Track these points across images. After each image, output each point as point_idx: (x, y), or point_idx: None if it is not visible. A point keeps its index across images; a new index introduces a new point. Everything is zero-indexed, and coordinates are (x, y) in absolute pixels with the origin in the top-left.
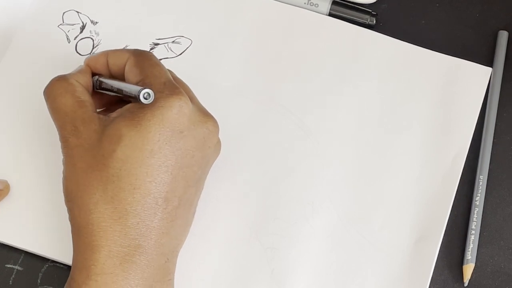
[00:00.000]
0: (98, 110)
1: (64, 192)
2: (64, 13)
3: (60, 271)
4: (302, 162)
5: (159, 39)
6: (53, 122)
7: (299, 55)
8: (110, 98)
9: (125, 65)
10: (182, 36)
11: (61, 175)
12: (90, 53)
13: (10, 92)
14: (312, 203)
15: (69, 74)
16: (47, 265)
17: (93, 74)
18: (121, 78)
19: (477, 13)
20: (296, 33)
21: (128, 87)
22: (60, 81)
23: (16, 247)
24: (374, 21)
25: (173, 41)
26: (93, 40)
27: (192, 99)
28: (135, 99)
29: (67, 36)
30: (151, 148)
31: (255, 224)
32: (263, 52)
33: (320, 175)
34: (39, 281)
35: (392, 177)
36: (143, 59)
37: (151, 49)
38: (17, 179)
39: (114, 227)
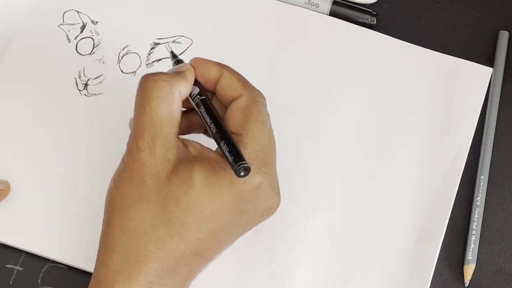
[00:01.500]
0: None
1: (108, 201)
2: (64, 13)
3: (61, 271)
4: (302, 162)
5: (159, 38)
6: (55, 121)
7: (299, 55)
8: (193, 123)
9: (233, 99)
10: (183, 36)
11: (61, 175)
12: (90, 53)
13: (10, 92)
14: (312, 203)
15: (176, 79)
16: (47, 265)
17: (196, 84)
18: (221, 103)
19: (478, 13)
20: (296, 33)
21: (230, 148)
22: (165, 83)
23: (16, 247)
24: (375, 21)
25: (173, 41)
26: (93, 40)
27: (271, 173)
28: (225, 155)
29: (67, 36)
30: (213, 212)
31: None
32: (263, 52)
33: (320, 175)
34: (39, 281)
35: (392, 177)
36: (253, 109)
37: (152, 48)
38: (17, 179)
39: (149, 266)
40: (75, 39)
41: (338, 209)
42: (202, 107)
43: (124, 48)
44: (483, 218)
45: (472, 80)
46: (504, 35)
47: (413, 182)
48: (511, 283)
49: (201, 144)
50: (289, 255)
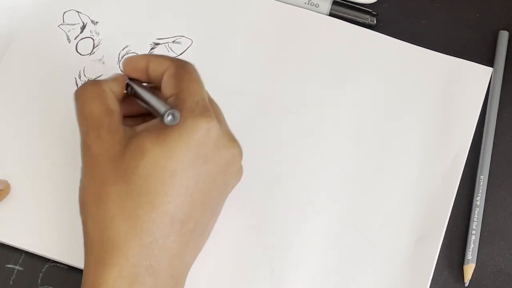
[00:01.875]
0: (129, 116)
1: (80, 203)
2: (64, 13)
3: (61, 271)
4: (302, 162)
5: (159, 39)
6: (55, 121)
7: (299, 55)
8: (140, 108)
9: (163, 74)
10: (183, 36)
11: (61, 175)
12: (90, 53)
13: (10, 92)
14: (312, 203)
15: (103, 80)
16: (47, 265)
17: (129, 79)
18: (159, 85)
19: (478, 13)
20: (296, 33)
21: (155, 103)
22: (92, 86)
23: (16, 247)
24: (375, 21)
25: (173, 41)
26: (93, 40)
27: (221, 122)
28: (160, 116)
29: (67, 36)
30: (173, 169)
31: (255, 224)
32: (263, 52)
33: (320, 175)
34: (39, 281)
35: (392, 177)
36: (182, 72)
37: (152, 49)
38: (18, 179)
39: (128, 245)
40: (75, 39)
41: (338, 209)
42: (135, 90)
43: (124, 48)
44: (483, 218)
45: (472, 80)
46: (504, 35)
47: (413, 182)
48: (511, 283)
49: (150, 119)
50: (289, 255)
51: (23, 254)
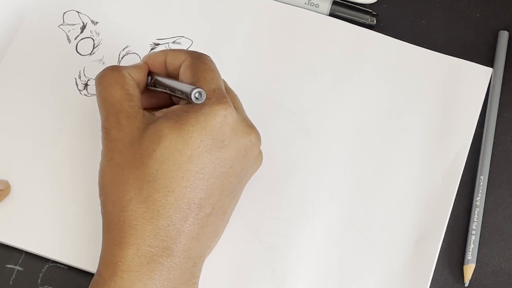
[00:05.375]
0: (149, 108)
1: (99, 185)
2: (64, 13)
3: (61, 271)
4: (302, 162)
5: (159, 39)
6: (55, 121)
7: (300, 55)
8: (160, 100)
9: (180, 66)
10: (183, 37)
11: (61, 175)
12: (90, 53)
13: (10, 92)
14: (312, 203)
15: (123, 66)
16: (47, 265)
17: (150, 73)
18: (177, 78)
19: (478, 13)
20: (296, 33)
21: (181, 86)
22: (112, 71)
23: (16, 247)
24: (375, 21)
25: (173, 41)
26: (93, 40)
27: (239, 110)
28: (186, 99)
29: (67, 36)
30: (190, 153)
31: (256, 224)
32: (263, 52)
33: (320, 175)
34: (39, 281)
35: (392, 177)
36: (198, 62)
37: (152, 49)
38: (18, 179)
39: (144, 227)
40: (75, 39)
41: (338, 209)
42: (157, 79)
43: (124, 48)
44: (483, 218)
45: (472, 80)
46: (504, 35)
47: (413, 182)
48: (511, 283)
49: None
50: (289, 255)
51: (23, 254)
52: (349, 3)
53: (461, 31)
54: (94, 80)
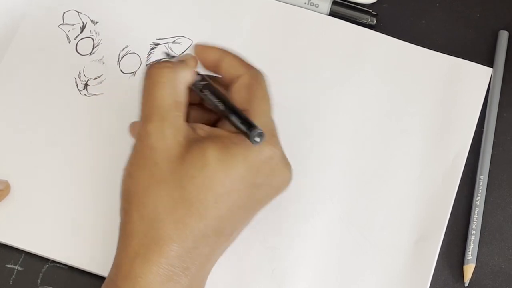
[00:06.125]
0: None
1: (124, 190)
2: (64, 13)
3: (61, 271)
4: (302, 162)
5: (159, 39)
6: (55, 121)
7: (299, 55)
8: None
9: (234, 79)
10: (183, 36)
11: (61, 175)
12: (90, 53)
13: (10, 92)
14: (312, 202)
15: (179, 66)
16: (47, 265)
17: (198, 74)
18: (226, 88)
19: (478, 13)
20: (296, 33)
21: (242, 117)
22: (169, 70)
23: (16, 247)
24: (375, 21)
25: (173, 41)
26: (93, 40)
27: (279, 142)
28: (237, 128)
29: (67, 36)
30: (230, 188)
31: (255, 224)
32: (263, 52)
33: (320, 175)
34: (39, 281)
35: (392, 177)
36: (256, 86)
37: (152, 49)
38: (17, 179)
39: (171, 247)
40: (75, 39)
41: (338, 209)
42: (207, 90)
43: (124, 48)
44: (482, 218)
45: (472, 80)
46: (504, 35)
47: (413, 182)
48: (511, 283)
49: (208, 126)
50: (289, 255)
51: (23, 254)
52: (349, 3)
53: (461, 31)
54: (94, 80)
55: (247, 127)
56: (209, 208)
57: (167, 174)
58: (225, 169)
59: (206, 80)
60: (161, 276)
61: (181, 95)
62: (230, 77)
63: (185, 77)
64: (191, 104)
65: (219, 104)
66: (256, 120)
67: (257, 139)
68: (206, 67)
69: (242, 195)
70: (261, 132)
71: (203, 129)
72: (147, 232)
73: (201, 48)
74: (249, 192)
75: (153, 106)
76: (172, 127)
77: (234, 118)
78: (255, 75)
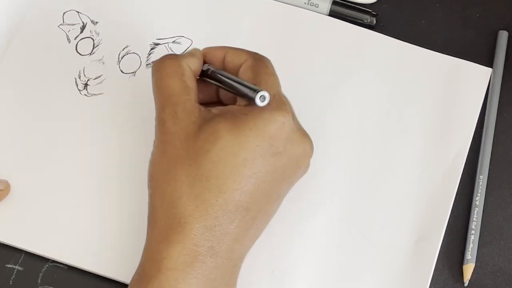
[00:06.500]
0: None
1: (149, 176)
2: (64, 13)
3: (61, 271)
4: None
5: (159, 39)
6: (55, 121)
7: (299, 56)
8: (206, 95)
9: (241, 65)
10: (183, 36)
11: (61, 175)
12: (90, 53)
13: (10, 92)
14: (312, 203)
15: (182, 56)
16: (47, 265)
17: (205, 63)
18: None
19: (477, 13)
20: (296, 33)
21: (245, 84)
22: (172, 60)
23: (16, 247)
24: (374, 21)
25: (173, 41)
26: (93, 40)
27: (294, 117)
28: (245, 97)
29: (67, 36)
30: (245, 157)
31: None
32: (263, 52)
33: (320, 175)
34: (39, 281)
35: (392, 176)
36: (260, 65)
37: (152, 49)
38: (17, 179)
39: (192, 225)
40: (75, 39)
41: (338, 209)
42: (215, 74)
43: (124, 48)
44: (482, 218)
45: (471, 80)
46: (503, 35)
47: (413, 182)
48: (511, 283)
49: (222, 105)
50: (289, 255)
51: (23, 254)
52: (349, 3)
53: (461, 31)
54: (94, 80)
55: (252, 92)
56: (226, 180)
57: (183, 153)
58: (237, 139)
59: (212, 68)
60: (185, 256)
61: (189, 81)
62: (236, 66)
63: (190, 64)
64: (208, 103)
65: (228, 80)
66: None
67: (261, 98)
68: (216, 66)
69: (260, 165)
70: (264, 94)
71: (217, 108)
72: (169, 213)
73: (207, 50)
74: (266, 162)
75: (164, 96)
76: (185, 110)
77: (240, 87)
78: (259, 58)
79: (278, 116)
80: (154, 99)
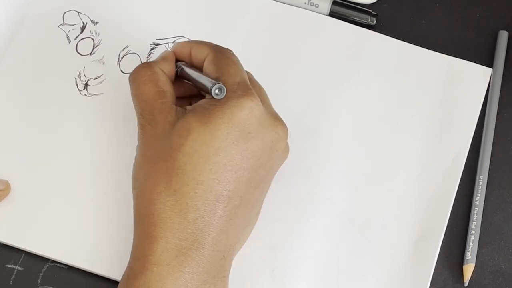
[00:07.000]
0: (179, 96)
1: (132, 179)
2: (64, 13)
3: (61, 271)
4: (302, 162)
5: (159, 39)
6: (55, 121)
7: (299, 55)
8: (187, 90)
9: (204, 60)
10: (183, 36)
11: (61, 175)
12: (90, 53)
13: (10, 92)
14: (312, 203)
15: (154, 62)
16: (47, 265)
17: (177, 61)
18: (202, 70)
19: (477, 13)
20: (296, 34)
21: (202, 80)
22: (145, 68)
23: (16, 247)
24: (375, 21)
25: (173, 41)
26: (93, 40)
27: (265, 102)
28: (206, 91)
29: (67, 36)
30: (217, 146)
31: (256, 224)
32: (263, 52)
33: (320, 175)
34: (39, 281)
35: (392, 176)
36: (221, 57)
37: (152, 49)
38: (17, 179)
39: (173, 220)
40: (75, 39)
41: (338, 209)
42: (184, 70)
43: (124, 48)
44: (482, 218)
45: (471, 80)
46: (503, 35)
47: (414, 181)
48: (511, 283)
49: (202, 98)
50: (289, 255)
51: (23, 254)
52: (349, 3)
53: (461, 31)
54: (94, 80)
55: (208, 84)
56: (202, 171)
57: (161, 152)
58: (208, 129)
59: (180, 64)
60: (169, 250)
61: (163, 84)
62: (200, 61)
63: (163, 67)
64: (192, 96)
65: (191, 77)
66: (227, 81)
67: (217, 91)
68: (184, 59)
69: (234, 152)
70: (220, 86)
71: (190, 106)
72: (150, 210)
73: (175, 48)
74: (240, 148)
75: (141, 102)
76: (162, 112)
77: (200, 82)
78: (219, 50)
79: (245, 102)
80: (134, 107)
